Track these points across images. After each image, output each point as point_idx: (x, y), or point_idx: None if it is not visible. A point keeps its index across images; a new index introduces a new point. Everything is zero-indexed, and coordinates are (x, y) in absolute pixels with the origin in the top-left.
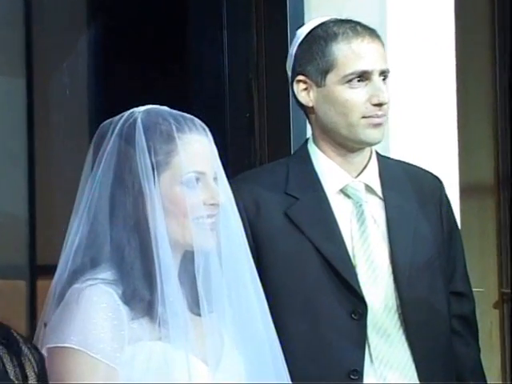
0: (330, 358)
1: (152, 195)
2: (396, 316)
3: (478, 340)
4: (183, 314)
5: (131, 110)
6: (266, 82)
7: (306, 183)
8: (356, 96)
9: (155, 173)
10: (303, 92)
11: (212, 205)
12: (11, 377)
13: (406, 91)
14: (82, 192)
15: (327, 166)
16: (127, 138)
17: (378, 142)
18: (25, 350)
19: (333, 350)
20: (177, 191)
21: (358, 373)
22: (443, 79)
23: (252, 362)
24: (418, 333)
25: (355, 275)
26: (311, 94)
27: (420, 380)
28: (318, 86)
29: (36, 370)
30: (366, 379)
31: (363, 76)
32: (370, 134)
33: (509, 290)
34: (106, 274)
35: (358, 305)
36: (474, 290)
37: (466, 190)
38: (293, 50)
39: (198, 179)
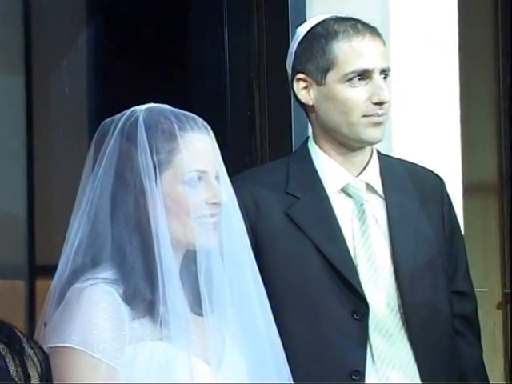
0: (331, 358)
1: (153, 194)
2: (398, 316)
3: (480, 339)
4: (185, 314)
5: (132, 109)
6: (268, 81)
7: (307, 182)
8: (356, 95)
9: (157, 172)
10: (303, 90)
11: (214, 204)
12: (13, 376)
13: (408, 90)
14: (83, 191)
15: (328, 165)
16: (129, 136)
17: (379, 141)
18: (28, 349)
19: (334, 350)
20: (179, 190)
21: (360, 373)
22: (446, 77)
23: (253, 361)
24: (420, 332)
25: (357, 275)
26: (311, 92)
27: (422, 380)
28: (319, 84)
29: (39, 370)
30: (367, 379)
31: (364, 74)
32: (370, 133)
33: None
34: (107, 273)
35: (359, 305)
36: (476, 290)
37: (468, 189)
38: (293, 48)
39: (200, 178)
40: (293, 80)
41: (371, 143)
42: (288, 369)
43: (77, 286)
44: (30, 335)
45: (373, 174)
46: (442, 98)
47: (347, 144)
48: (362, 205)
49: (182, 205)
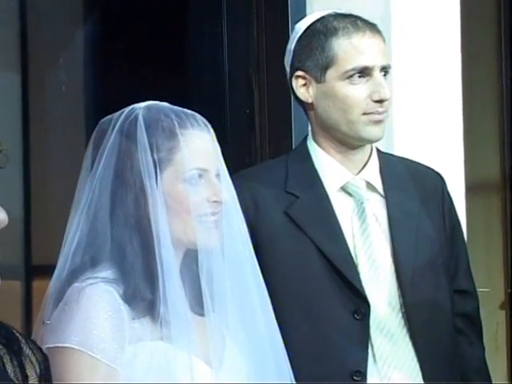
0: (332, 358)
1: (154, 193)
2: (399, 315)
3: (482, 339)
4: (185, 314)
5: (131, 106)
6: (267, 78)
7: (306, 181)
8: (356, 92)
9: (157, 170)
10: (302, 88)
11: (215, 202)
12: (11, 376)
13: (410, 87)
14: (82, 190)
15: (327, 164)
16: (128, 134)
17: (379, 139)
18: (26, 350)
19: (335, 350)
20: (179, 188)
21: (362, 374)
22: (448, 75)
23: (253, 361)
24: (422, 332)
25: (357, 274)
26: (310, 89)
27: (424, 380)
28: (318, 81)
29: (38, 371)
30: (369, 380)
31: (364, 72)
32: (370, 131)
33: None
34: (107, 272)
35: (360, 304)
36: (479, 290)
37: (471, 188)
38: (291, 44)
39: (200, 176)
40: (291, 77)
41: (371, 141)
42: (290, 368)
43: (76, 285)
44: (28, 335)
45: (373, 173)
46: (444, 95)
47: (347, 142)
48: (361, 203)
49: (182, 203)
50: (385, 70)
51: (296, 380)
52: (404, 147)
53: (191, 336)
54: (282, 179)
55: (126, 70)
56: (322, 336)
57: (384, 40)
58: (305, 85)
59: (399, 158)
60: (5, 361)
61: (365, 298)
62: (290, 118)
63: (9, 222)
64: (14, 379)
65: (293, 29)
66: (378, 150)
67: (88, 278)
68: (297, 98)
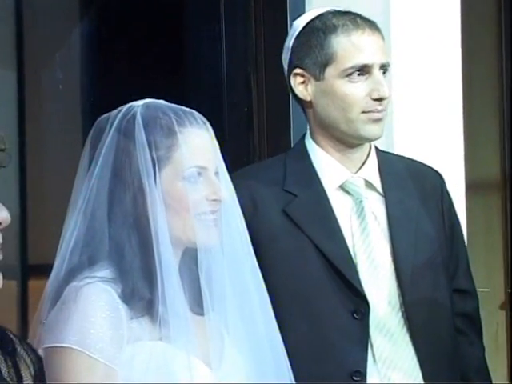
0: (331, 358)
1: (152, 191)
2: (399, 314)
3: (482, 338)
4: (184, 314)
5: (129, 104)
6: (266, 76)
7: (305, 179)
8: (356, 90)
9: (156, 168)
10: (300, 86)
11: (214, 200)
12: (5, 377)
13: (410, 85)
14: (79, 189)
15: (326, 162)
16: (126, 132)
17: (378, 138)
18: (20, 351)
19: (334, 350)
20: (178, 186)
21: (361, 374)
22: (448, 73)
23: (252, 361)
24: (422, 331)
25: (356, 273)
26: (309, 87)
27: (425, 380)
28: (317, 79)
29: (32, 372)
30: (369, 380)
31: (363, 70)
32: (369, 130)
33: None
34: (105, 271)
35: (359, 304)
36: (479, 290)
37: (471, 187)
38: (289, 42)
39: (199, 174)
40: (289, 75)
41: (370, 140)
42: (289, 368)
43: (74, 284)
44: (23, 335)
45: (371, 171)
46: (444, 93)
47: (345, 140)
48: (360, 202)
49: (181, 201)
50: (384, 67)
51: (295, 380)
52: (404, 146)
53: (190, 336)
54: (280, 178)
55: (123, 68)
56: (321, 336)
57: (383, 38)
58: (303, 82)
59: (398, 156)
60: None
61: (364, 298)
62: (288, 116)
63: None
64: (9, 380)
65: (291, 27)
66: (376, 149)
67: (86, 278)
68: (295, 95)
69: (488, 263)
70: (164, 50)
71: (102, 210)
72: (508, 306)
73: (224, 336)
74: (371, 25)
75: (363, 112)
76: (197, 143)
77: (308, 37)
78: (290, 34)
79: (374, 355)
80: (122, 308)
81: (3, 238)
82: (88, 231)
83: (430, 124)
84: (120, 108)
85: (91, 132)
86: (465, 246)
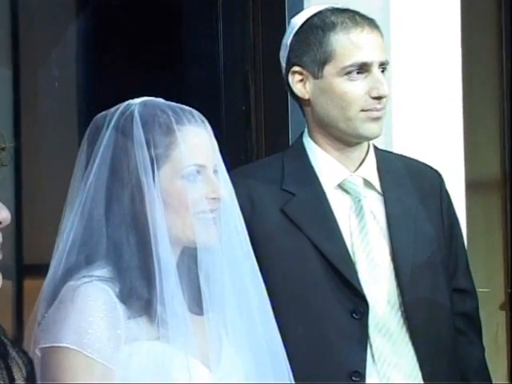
0: (330, 359)
1: (151, 190)
2: (398, 314)
3: (481, 338)
4: (183, 314)
5: (127, 102)
6: (264, 74)
7: (303, 178)
8: (355, 89)
9: (154, 167)
10: (299, 84)
11: (213, 199)
12: None
13: (409, 84)
14: (76, 188)
15: (324, 161)
16: (124, 130)
17: (377, 136)
18: (12, 353)
19: (333, 350)
20: (177, 185)
21: (360, 374)
22: (448, 72)
23: (250, 361)
24: (422, 331)
25: (355, 273)
26: (307, 85)
27: (424, 380)
28: (315, 77)
29: (24, 374)
30: (368, 380)
31: (362, 68)
32: (368, 128)
33: None
34: (102, 271)
35: (358, 303)
36: (479, 290)
37: (471, 186)
38: (287, 39)
39: (198, 172)
40: (287, 73)
41: (369, 138)
42: (289, 367)
43: (71, 284)
44: (18, 335)
45: (370, 170)
46: (444, 92)
47: (344, 139)
48: (359, 201)
49: (180, 200)
50: (383, 66)
51: (294, 381)
52: (403, 144)
53: (188, 336)
54: (278, 177)
55: (119, 66)
56: (319, 336)
57: (382, 35)
58: (301, 80)
59: (396, 155)
60: None
61: (363, 297)
62: (286, 114)
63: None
64: (1, 381)
65: (289, 24)
66: (374, 147)
67: (83, 277)
68: (293, 93)
69: (488, 263)
70: (161, 48)
71: (100, 209)
72: (508, 306)
73: (222, 336)
74: (370, 22)
75: (362, 110)
76: (195, 141)
77: (306, 34)
78: (287, 31)
79: (373, 355)
80: (120, 308)
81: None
82: (85, 230)
83: (430, 123)
84: (117, 106)
85: (88, 130)
86: (464, 245)
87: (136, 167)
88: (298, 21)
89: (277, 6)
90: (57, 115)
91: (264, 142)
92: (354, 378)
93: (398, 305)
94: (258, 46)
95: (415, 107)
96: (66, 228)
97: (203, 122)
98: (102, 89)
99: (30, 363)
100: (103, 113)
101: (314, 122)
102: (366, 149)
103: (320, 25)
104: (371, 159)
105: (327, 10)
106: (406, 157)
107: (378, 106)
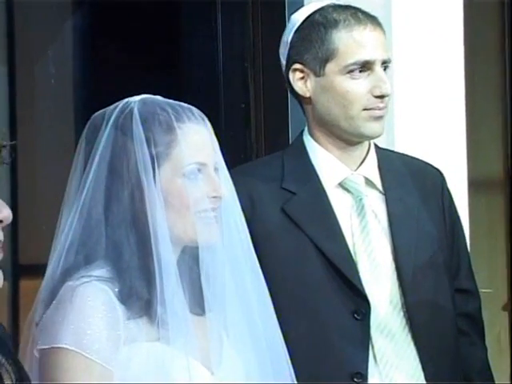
0: (331, 360)
1: (151, 188)
2: (401, 314)
3: (484, 339)
4: (184, 314)
5: (126, 100)
6: (263, 71)
7: (303, 177)
8: (357, 87)
9: (155, 165)
10: (299, 81)
11: (214, 197)
12: None
13: (411, 82)
14: (75, 187)
15: (325, 159)
16: (123, 129)
17: (379, 136)
18: (2, 359)
19: (335, 352)
20: (178, 184)
21: (362, 376)
22: (451, 69)
23: (252, 363)
24: (425, 331)
25: (357, 273)
26: (308, 83)
27: (427, 381)
28: (317, 75)
29: (14, 379)
30: (370, 381)
31: (365, 66)
32: (370, 128)
33: None
34: (101, 270)
35: (360, 304)
36: (481, 290)
37: (474, 185)
38: (288, 36)
39: (199, 171)
40: (288, 70)
41: (371, 138)
42: (291, 368)
43: (70, 284)
44: (15, 336)
45: (371, 169)
46: (447, 90)
47: (345, 138)
48: (360, 200)
49: (181, 199)
50: (385, 64)
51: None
52: (405, 143)
53: (189, 337)
54: (278, 175)
55: (117, 63)
56: (321, 337)
57: (384, 33)
58: (302, 78)
59: (397, 153)
60: None
61: (365, 298)
62: (286, 113)
63: None
64: None
65: (289, 20)
66: (375, 146)
67: (82, 277)
68: (293, 91)
69: (491, 263)
70: (159, 45)
71: (99, 208)
72: (511, 307)
73: (223, 337)
74: (373, 20)
75: (364, 109)
76: (196, 139)
77: (308, 31)
78: (288, 27)
79: (375, 356)
80: (119, 308)
81: None
82: (84, 230)
83: (432, 121)
84: (116, 104)
85: (86, 129)
86: (466, 244)
87: (136, 166)
88: (298, 17)
89: (276, 3)
90: (53, 113)
91: (264, 141)
92: (355, 380)
93: (400, 305)
94: (258, 44)
95: (417, 105)
96: (64, 227)
97: (203, 119)
98: (99, 87)
99: (19, 371)
100: (101, 111)
101: (314, 121)
102: (366, 147)
103: (322, 22)
104: (372, 158)
105: (329, 6)
106: (407, 155)
107: (381, 105)
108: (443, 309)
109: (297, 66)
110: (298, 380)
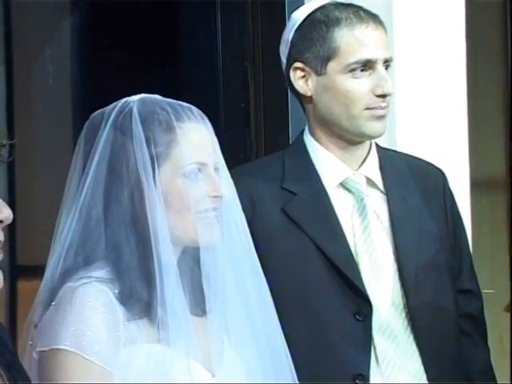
0: (333, 361)
1: (151, 189)
2: (403, 315)
3: (486, 340)
4: (184, 316)
5: (124, 100)
6: (263, 70)
7: (304, 177)
8: (359, 86)
9: (155, 165)
10: (301, 80)
11: (215, 197)
12: None
13: (413, 81)
14: (74, 187)
15: (326, 159)
16: (123, 128)
17: (381, 135)
18: None
19: (336, 353)
20: (178, 184)
21: (364, 377)
22: (453, 69)
23: (253, 364)
24: (427, 333)
25: (358, 273)
26: (309, 82)
27: (429, 382)
28: (318, 74)
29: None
30: (372, 382)
31: (367, 65)
32: (372, 127)
33: None
34: (101, 271)
35: (362, 305)
36: (483, 291)
37: (476, 185)
38: (289, 34)
39: (200, 170)
40: (289, 69)
41: (373, 137)
42: (293, 369)
43: (69, 285)
44: (12, 337)
45: (373, 168)
46: (448, 89)
47: (347, 137)
48: (362, 200)
49: (182, 199)
50: (387, 63)
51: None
52: (407, 143)
53: (190, 338)
54: (279, 176)
55: (116, 63)
56: (322, 338)
57: (386, 31)
58: (303, 77)
59: (399, 153)
60: None
61: (367, 299)
62: (286, 112)
63: None
64: None
65: (289, 19)
66: (376, 145)
67: (81, 278)
68: (294, 90)
69: (493, 264)
70: (158, 44)
71: (99, 209)
72: None
73: (224, 339)
74: (375, 18)
75: (366, 109)
76: (196, 138)
77: (309, 29)
78: (288, 26)
79: (377, 358)
80: (119, 309)
81: None
82: (84, 230)
83: (434, 120)
84: (115, 103)
85: (85, 129)
86: (468, 245)
87: (136, 166)
88: (299, 16)
89: (276, 2)
90: (51, 113)
91: (263, 140)
92: (357, 381)
93: (402, 306)
94: (257, 43)
95: (418, 105)
96: (63, 228)
97: (203, 118)
98: (97, 86)
99: (12, 378)
100: (100, 110)
101: (315, 120)
102: (368, 147)
103: (323, 20)
104: (373, 158)
105: (330, 4)
106: (408, 155)
107: (383, 105)
108: (445, 310)
109: (298, 64)
110: (299, 381)
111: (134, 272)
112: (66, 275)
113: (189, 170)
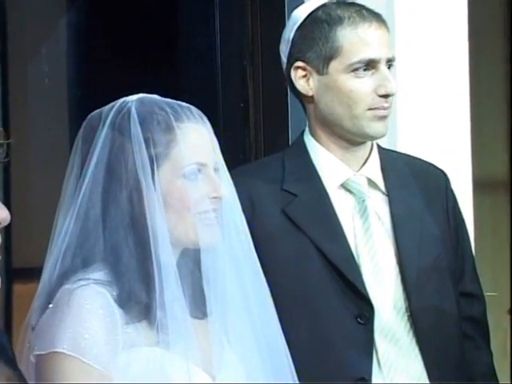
0: (334, 365)
1: (150, 189)
2: (405, 318)
3: (489, 343)
4: (184, 318)
5: (122, 99)
6: (262, 70)
7: (304, 178)
8: (362, 86)
9: (154, 166)
10: (302, 80)
11: (215, 198)
12: None
13: (415, 81)
14: (71, 188)
15: (326, 160)
16: (121, 129)
17: (383, 136)
18: None
19: (338, 357)
20: (178, 185)
21: (366, 381)
22: (455, 68)
23: (253, 365)
24: (429, 336)
25: (360, 276)
26: (311, 81)
27: None
28: (320, 73)
29: None
30: None
31: (369, 65)
32: (374, 128)
33: None
34: (99, 273)
35: (363, 308)
36: (486, 294)
37: (478, 186)
38: (290, 33)
39: (199, 171)
40: (289, 68)
41: (375, 138)
42: (294, 372)
43: (67, 287)
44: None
45: (374, 169)
46: (451, 89)
47: (348, 138)
48: (363, 201)
49: (182, 200)
50: (390, 62)
51: None
52: (408, 143)
53: (189, 341)
54: (279, 177)
55: (113, 61)
56: (323, 341)
57: (389, 31)
58: (305, 76)
59: (400, 154)
60: None
61: (368, 301)
62: (286, 112)
63: None
64: None
65: (289, 18)
66: (378, 146)
67: (79, 280)
68: (294, 90)
69: (495, 266)
70: (156, 43)
71: (97, 210)
72: None
73: (224, 341)
74: (377, 17)
75: (369, 109)
76: (195, 139)
77: (311, 28)
78: (289, 24)
79: (378, 361)
80: (118, 312)
81: None
82: (82, 232)
83: (436, 121)
84: (113, 103)
85: (82, 129)
86: (471, 247)
87: (134, 167)
88: (300, 14)
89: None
90: (47, 112)
91: (263, 140)
92: None
93: (404, 309)
94: (257, 41)
95: (421, 105)
96: (61, 230)
97: (202, 118)
98: (93, 85)
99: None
100: (98, 111)
101: (316, 120)
102: (369, 148)
103: (325, 19)
104: (375, 158)
105: (332, 3)
106: (410, 156)
107: (386, 105)
108: (448, 312)
109: (299, 63)
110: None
111: (132, 274)
112: (64, 277)
113: (188, 170)
